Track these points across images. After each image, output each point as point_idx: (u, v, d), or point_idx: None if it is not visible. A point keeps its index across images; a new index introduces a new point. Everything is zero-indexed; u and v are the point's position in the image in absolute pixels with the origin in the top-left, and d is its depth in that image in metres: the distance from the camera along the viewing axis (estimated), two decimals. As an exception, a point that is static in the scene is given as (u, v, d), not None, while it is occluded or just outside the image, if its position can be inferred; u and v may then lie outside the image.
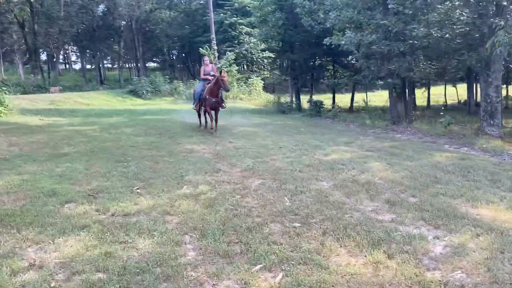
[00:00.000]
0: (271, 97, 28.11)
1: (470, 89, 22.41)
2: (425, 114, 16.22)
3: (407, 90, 14.99)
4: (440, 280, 3.38)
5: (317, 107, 20.63)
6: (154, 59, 58.00)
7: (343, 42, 13.60)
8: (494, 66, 11.04)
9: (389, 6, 13.31)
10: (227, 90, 11.91)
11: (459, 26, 11.98)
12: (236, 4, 33.59)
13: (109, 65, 66.32)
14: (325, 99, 24.30)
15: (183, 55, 53.92)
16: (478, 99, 24.10)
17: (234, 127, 13.85)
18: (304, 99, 25.84)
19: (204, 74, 12.50)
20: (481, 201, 5.44)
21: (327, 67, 26.36)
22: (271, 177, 6.80)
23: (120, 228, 4.48)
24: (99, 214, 4.92)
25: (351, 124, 16.47)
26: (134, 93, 28.59)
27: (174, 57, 56.93)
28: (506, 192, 5.93)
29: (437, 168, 7.54)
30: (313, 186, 6.23)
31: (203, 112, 12.75)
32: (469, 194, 5.76)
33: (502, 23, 9.56)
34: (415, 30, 11.62)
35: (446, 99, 28.05)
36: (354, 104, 25.57)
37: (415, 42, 13.11)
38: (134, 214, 4.97)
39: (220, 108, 12.13)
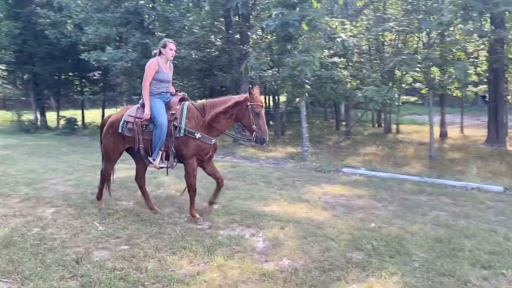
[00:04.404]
0: (8, 114, 24.55)
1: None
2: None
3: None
4: (277, 269, 3.97)
5: (70, 124, 19.32)
6: None
7: (105, 59, 13.28)
8: (243, 86, 12.95)
9: (145, 26, 13.83)
10: (263, 141, 5.15)
11: (213, 50, 13.52)
12: None
13: None
14: (72, 115, 22.85)
15: None
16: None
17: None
18: (50, 116, 23.73)
19: (159, 81, 5.47)
20: (268, 200, 6.50)
21: (75, 82, 24.87)
22: (64, 204, 6.22)
23: None
24: None
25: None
26: None
27: None
28: (281, 190, 7.24)
29: (219, 176, 8.43)
30: (117, 207, 6.06)
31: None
32: (256, 195, 6.77)
33: (250, 50, 11.38)
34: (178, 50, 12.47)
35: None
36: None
37: (175, 62, 13.99)
38: None
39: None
